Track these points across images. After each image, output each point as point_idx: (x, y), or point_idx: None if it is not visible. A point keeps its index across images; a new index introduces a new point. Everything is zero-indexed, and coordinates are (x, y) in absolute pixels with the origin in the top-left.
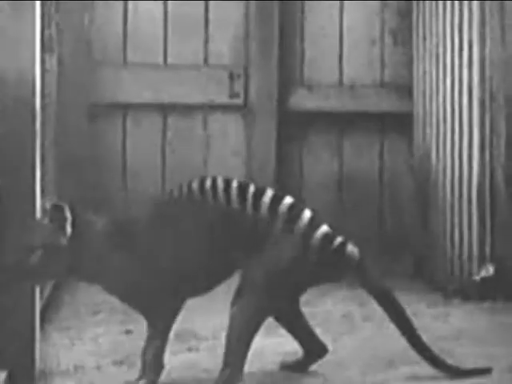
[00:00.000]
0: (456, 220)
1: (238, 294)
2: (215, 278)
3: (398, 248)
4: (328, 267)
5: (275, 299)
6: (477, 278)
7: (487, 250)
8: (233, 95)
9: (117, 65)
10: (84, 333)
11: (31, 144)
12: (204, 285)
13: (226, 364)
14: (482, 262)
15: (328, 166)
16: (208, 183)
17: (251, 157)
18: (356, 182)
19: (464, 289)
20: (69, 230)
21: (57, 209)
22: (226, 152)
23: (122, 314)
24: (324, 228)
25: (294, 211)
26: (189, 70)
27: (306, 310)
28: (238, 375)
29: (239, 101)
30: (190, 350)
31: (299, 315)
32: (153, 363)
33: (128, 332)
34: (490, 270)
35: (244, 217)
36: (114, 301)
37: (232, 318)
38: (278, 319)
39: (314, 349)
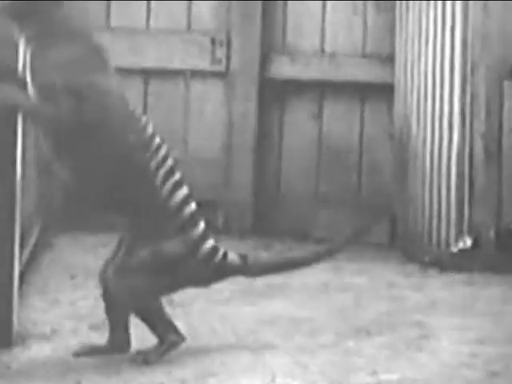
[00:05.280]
0: (434, 190)
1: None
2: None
3: (374, 214)
4: (208, 274)
5: (158, 285)
6: (454, 249)
7: (465, 221)
8: (214, 61)
9: (99, 28)
10: (62, 296)
11: None
12: None
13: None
14: (459, 233)
15: (308, 134)
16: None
17: (232, 123)
18: (335, 148)
19: (441, 260)
20: None
21: None
22: (206, 118)
23: None
24: (211, 242)
25: (195, 218)
26: (171, 35)
27: (282, 280)
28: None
29: (221, 67)
30: None
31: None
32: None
33: None
34: (467, 241)
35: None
36: (93, 264)
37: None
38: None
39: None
